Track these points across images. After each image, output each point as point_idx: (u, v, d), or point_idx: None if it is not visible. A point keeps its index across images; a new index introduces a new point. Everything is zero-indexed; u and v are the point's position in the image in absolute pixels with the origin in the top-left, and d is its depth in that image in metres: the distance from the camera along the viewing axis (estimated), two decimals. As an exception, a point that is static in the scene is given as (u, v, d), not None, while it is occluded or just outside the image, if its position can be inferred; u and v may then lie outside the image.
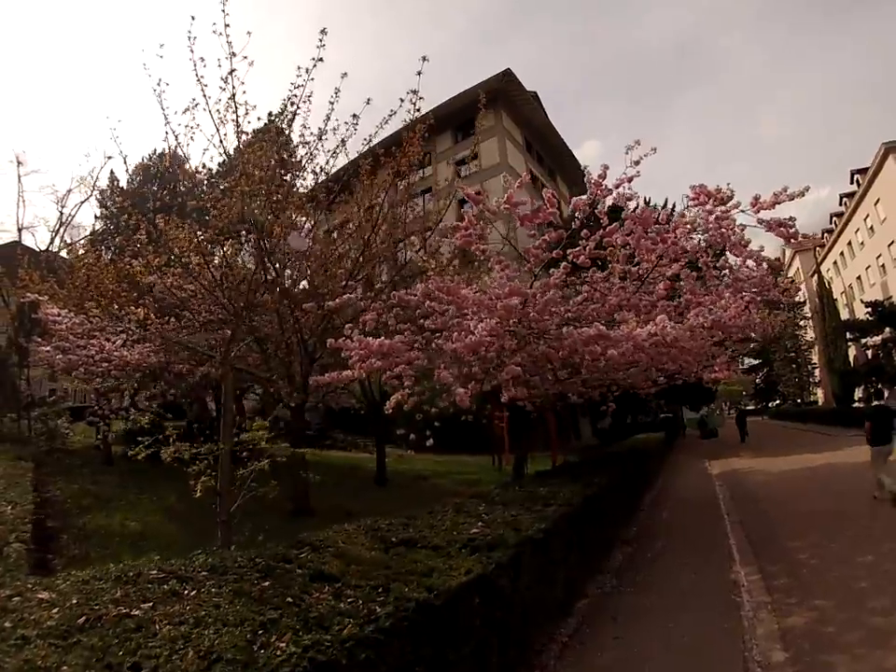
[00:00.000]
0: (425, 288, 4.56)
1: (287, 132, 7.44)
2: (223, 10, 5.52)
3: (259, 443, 4.20)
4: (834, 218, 37.88)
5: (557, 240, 5.20)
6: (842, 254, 36.79)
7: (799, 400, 44.33)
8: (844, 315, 34.30)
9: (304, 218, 9.17)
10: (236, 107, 6.22)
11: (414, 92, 5.95)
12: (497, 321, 4.36)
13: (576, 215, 5.57)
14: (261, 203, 6.84)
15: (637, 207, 5.86)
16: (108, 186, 21.63)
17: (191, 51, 5.77)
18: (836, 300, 35.29)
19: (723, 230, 4.73)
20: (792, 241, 5.03)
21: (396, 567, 2.62)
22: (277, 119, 7.35)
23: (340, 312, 6.32)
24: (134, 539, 6.02)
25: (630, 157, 4.68)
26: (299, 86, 6.35)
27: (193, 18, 5.57)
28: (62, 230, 23.54)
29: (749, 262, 5.48)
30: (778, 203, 4.89)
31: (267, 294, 7.14)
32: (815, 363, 44.19)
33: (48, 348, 8.44)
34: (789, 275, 47.89)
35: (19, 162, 24.73)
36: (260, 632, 1.75)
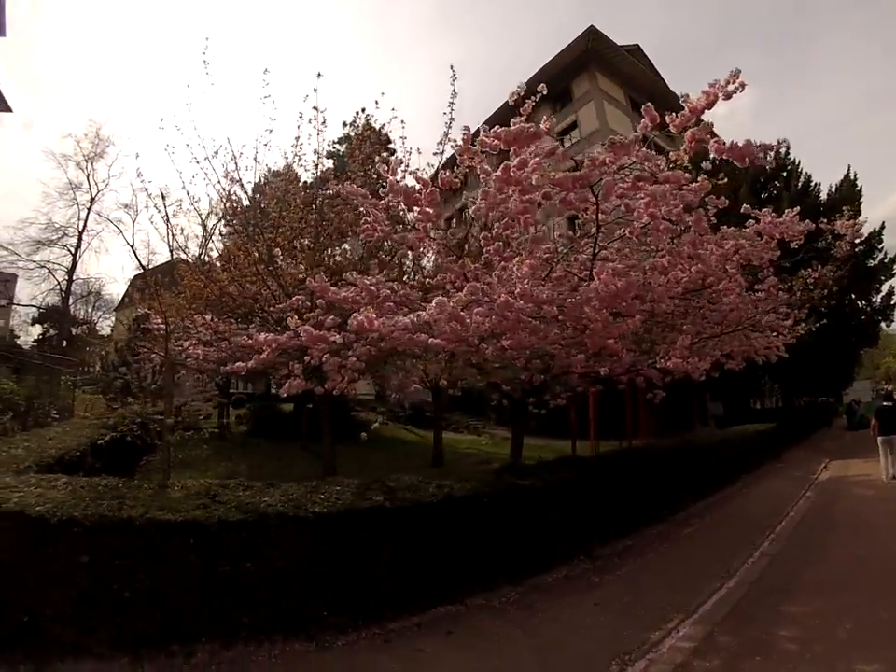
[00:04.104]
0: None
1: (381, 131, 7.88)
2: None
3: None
4: None
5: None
6: None
7: None
8: None
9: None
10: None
11: (316, 109, 5.98)
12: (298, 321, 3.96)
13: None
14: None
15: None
16: (229, 206, 25.54)
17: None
18: None
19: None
20: (749, 158, 3.12)
21: (159, 502, 3.26)
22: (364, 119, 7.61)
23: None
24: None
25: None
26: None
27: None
28: (207, 245, 28.72)
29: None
30: (706, 108, 3.08)
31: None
32: None
33: (145, 349, 10.41)
34: None
35: (163, 196, 31.16)
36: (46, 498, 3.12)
